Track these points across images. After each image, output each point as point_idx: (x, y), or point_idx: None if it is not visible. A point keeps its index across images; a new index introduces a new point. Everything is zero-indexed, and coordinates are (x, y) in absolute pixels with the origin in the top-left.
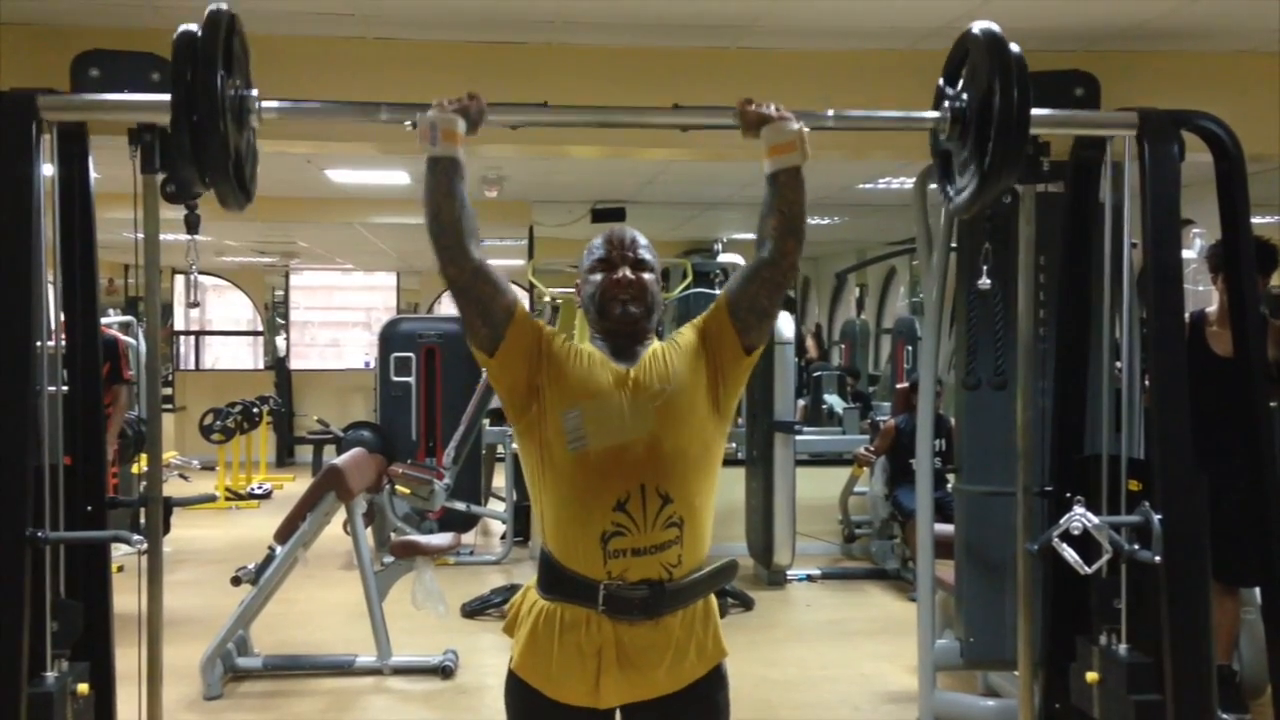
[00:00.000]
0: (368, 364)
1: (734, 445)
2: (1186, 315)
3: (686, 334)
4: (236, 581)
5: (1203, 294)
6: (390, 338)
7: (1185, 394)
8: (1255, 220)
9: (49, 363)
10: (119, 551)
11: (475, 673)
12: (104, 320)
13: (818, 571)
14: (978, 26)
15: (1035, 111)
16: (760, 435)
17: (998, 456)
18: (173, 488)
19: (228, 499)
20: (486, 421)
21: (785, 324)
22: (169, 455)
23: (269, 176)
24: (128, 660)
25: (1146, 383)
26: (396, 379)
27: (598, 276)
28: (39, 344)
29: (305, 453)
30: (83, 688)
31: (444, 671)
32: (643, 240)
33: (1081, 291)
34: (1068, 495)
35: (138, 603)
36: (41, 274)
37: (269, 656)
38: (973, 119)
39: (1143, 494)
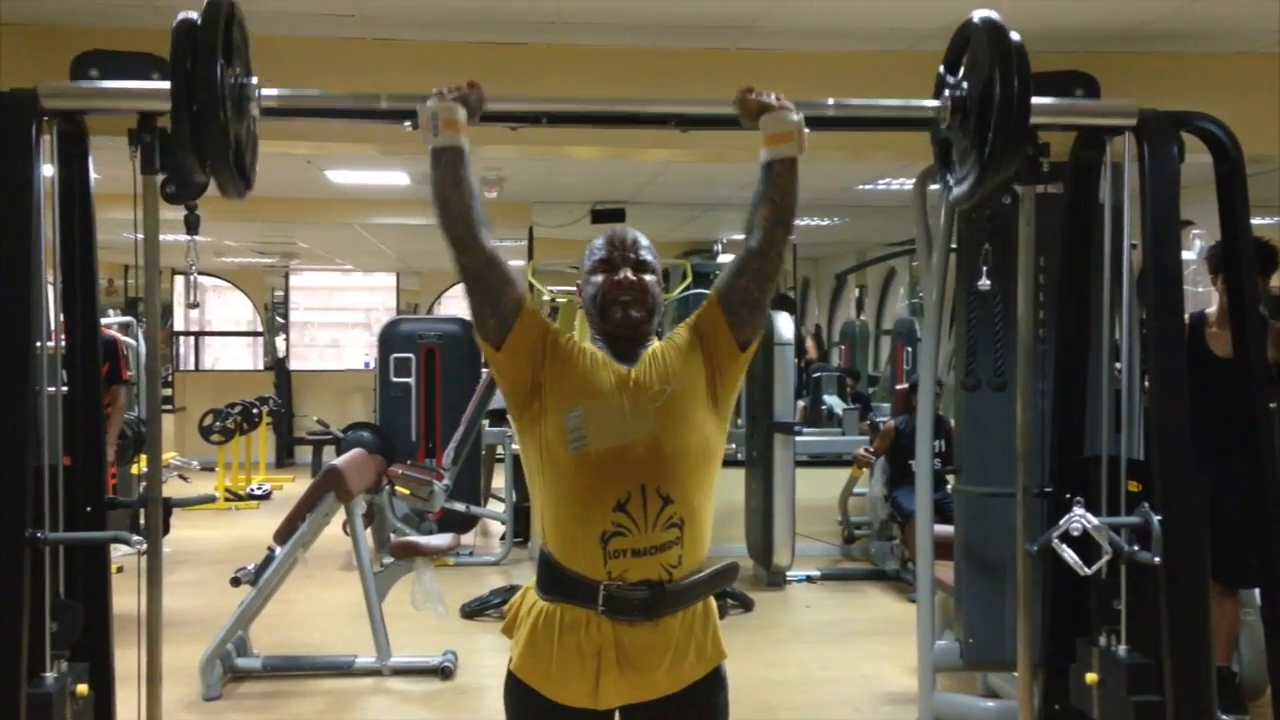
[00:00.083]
0: (367, 365)
1: (734, 446)
2: (1186, 316)
3: (682, 333)
4: (236, 582)
5: (1202, 295)
6: (390, 338)
7: (1185, 395)
8: (1255, 221)
9: (49, 363)
10: (119, 552)
11: (474, 674)
12: (103, 320)
13: (817, 572)
14: (978, 15)
15: (1035, 100)
16: (760, 436)
17: (997, 457)
18: (172, 488)
19: (227, 500)
20: (486, 422)
21: (785, 325)
22: (168, 456)
23: (269, 177)
24: (127, 661)
25: (1146, 384)
26: (396, 380)
27: (599, 278)
28: (39, 344)
29: (305, 453)
30: (82, 688)
31: (443, 672)
32: (644, 241)
33: (1081, 292)
34: (1067, 496)
35: (137, 603)
36: (41, 274)
37: (268, 657)
38: (973, 108)
39: (1142, 495)
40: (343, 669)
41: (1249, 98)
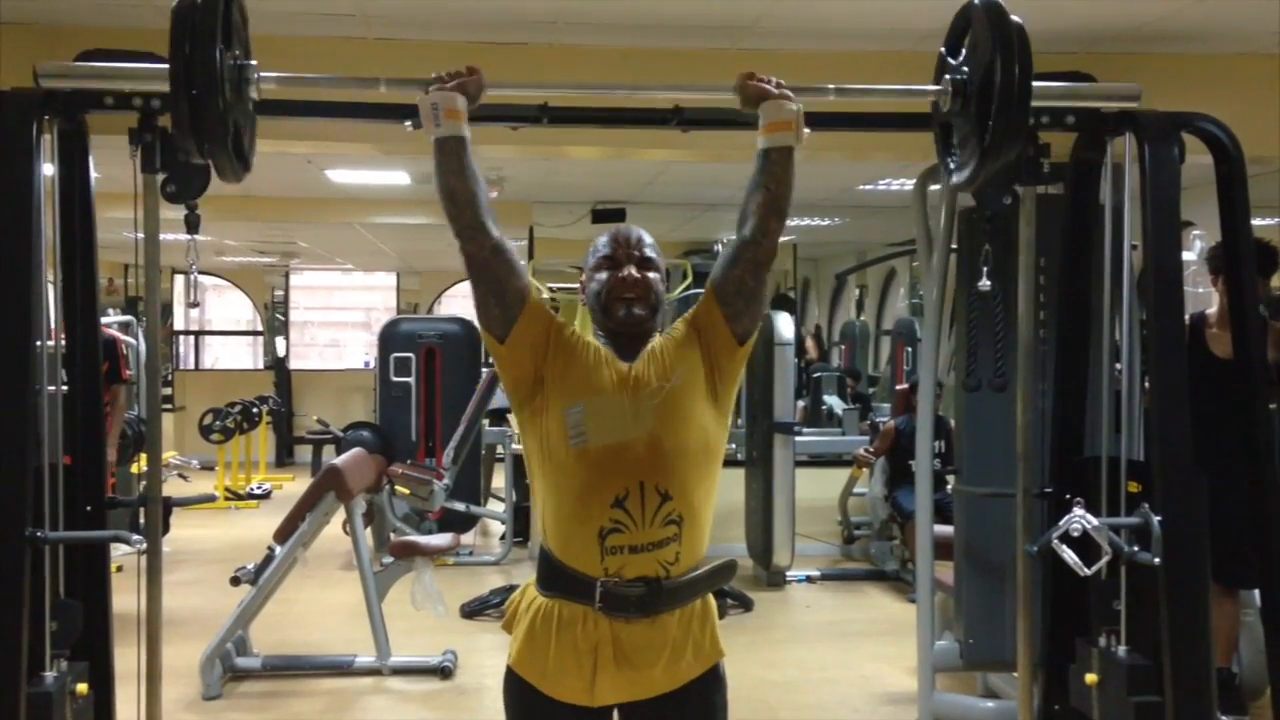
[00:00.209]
0: (367, 364)
1: (734, 446)
2: (1186, 317)
3: (680, 329)
4: (236, 582)
5: (1202, 296)
6: (390, 338)
7: (1185, 396)
8: (1255, 222)
9: (49, 362)
10: (118, 551)
11: (474, 673)
12: (103, 320)
13: (817, 573)
14: None
15: (1037, 84)
16: (760, 436)
17: (997, 458)
18: (172, 488)
19: (227, 499)
20: (486, 422)
21: (785, 325)
22: (168, 455)
23: (269, 177)
24: (127, 660)
25: (1146, 384)
26: (396, 379)
27: (603, 275)
28: (39, 344)
29: (305, 453)
30: (82, 688)
31: (443, 672)
32: (648, 239)
33: (1081, 293)
34: (1067, 497)
35: (137, 603)
36: (41, 274)
37: (268, 657)
38: (974, 92)
39: (1142, 495)
40: (342, 668)
41: (1249, 98)
